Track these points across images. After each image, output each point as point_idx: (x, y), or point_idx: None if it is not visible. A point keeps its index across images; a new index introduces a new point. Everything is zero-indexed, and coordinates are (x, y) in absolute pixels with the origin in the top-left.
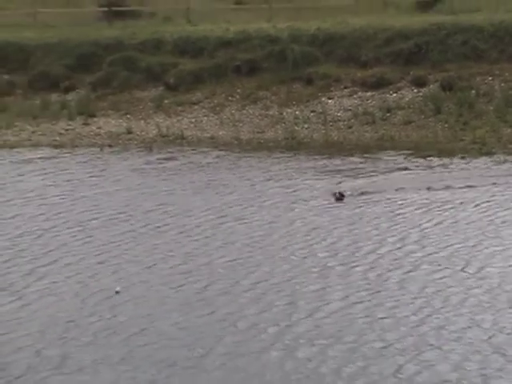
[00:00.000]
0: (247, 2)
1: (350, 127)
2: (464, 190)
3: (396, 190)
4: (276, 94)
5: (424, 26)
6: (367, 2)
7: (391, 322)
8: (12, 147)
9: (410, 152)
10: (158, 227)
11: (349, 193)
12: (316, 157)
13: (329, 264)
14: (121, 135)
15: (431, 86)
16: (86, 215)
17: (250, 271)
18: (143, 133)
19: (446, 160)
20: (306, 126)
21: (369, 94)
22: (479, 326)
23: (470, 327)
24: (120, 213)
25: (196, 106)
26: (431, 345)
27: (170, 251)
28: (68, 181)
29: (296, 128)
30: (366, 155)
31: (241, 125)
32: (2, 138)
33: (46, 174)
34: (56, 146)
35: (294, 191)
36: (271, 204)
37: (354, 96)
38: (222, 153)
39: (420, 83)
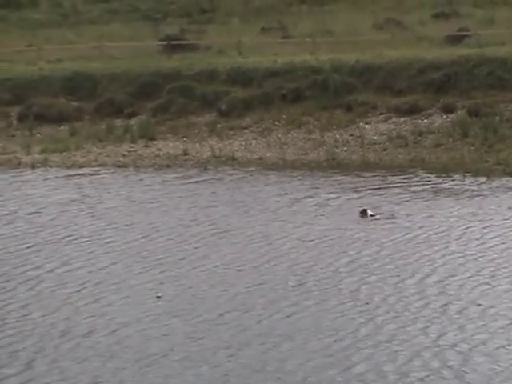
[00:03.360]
0: (293, 36)
1: (385, 149)
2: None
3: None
4: (318, 119)
5: (453, 58)
6: (402, 36)
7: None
8: (80, 167)
9: (439, 172)
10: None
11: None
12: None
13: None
14: (178, 156)
15: (459, 112)
16: (99, 225)
17: (259, 271)
18: (198, 154)
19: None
20: (345, 148)
21: (402, 119)
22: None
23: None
24: (133, 223)
25: (246, 130)
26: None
27: (164, 256)
28: (97, 192)
29: (336, 150)
30: (400, 175)
31: (286, 147)
32: (71, 159)
33: (76, 188)
34: (120, 166)
35: (296, 203)
36: (268, 214)
37: (389, 121)
38: (251, 170)
39: (449, 110)
